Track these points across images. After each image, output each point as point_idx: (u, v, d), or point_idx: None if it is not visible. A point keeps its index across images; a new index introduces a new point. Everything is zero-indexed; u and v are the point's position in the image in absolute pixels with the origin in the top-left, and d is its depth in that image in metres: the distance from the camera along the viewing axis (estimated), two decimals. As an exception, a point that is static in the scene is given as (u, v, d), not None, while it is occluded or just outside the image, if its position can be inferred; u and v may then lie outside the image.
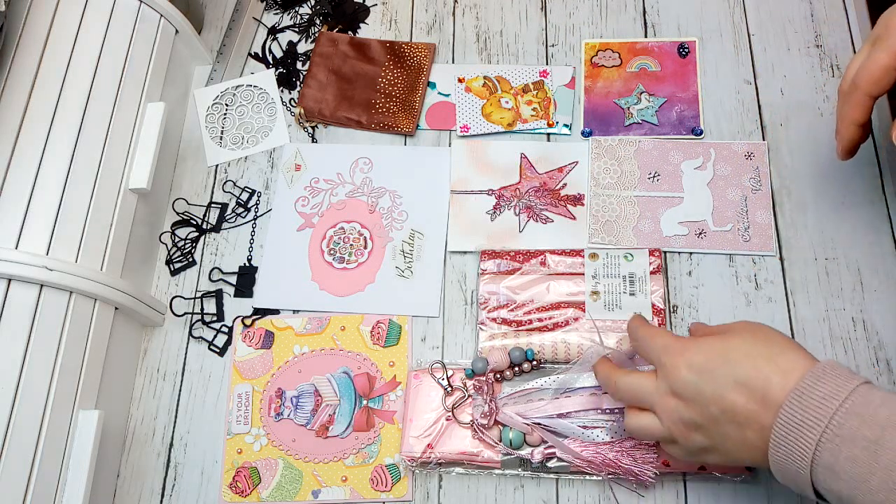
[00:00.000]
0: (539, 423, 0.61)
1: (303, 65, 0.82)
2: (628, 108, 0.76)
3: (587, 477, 0.62)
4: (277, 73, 0.82)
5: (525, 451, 0.62)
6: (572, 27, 0.81)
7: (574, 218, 0.72)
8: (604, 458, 0.60)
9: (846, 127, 0.57)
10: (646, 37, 0.80)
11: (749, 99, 0.76)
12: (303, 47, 0.83)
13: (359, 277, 0.72)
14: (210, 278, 0.73)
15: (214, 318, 0.71)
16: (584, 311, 0.67)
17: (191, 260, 0.74)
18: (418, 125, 0.78)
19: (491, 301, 0.68)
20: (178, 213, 0.76)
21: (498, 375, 0.65)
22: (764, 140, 0.74)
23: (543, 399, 0.62)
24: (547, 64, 0.80)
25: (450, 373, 0.65)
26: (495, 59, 0.80)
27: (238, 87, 0.81)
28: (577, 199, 0.73)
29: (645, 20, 0.81)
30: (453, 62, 0.81)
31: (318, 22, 0.84)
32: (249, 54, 0.83)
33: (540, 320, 0.67)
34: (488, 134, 0.77)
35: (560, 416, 0.61)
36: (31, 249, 0.58)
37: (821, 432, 0.43)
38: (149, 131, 0.70)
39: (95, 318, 0.62)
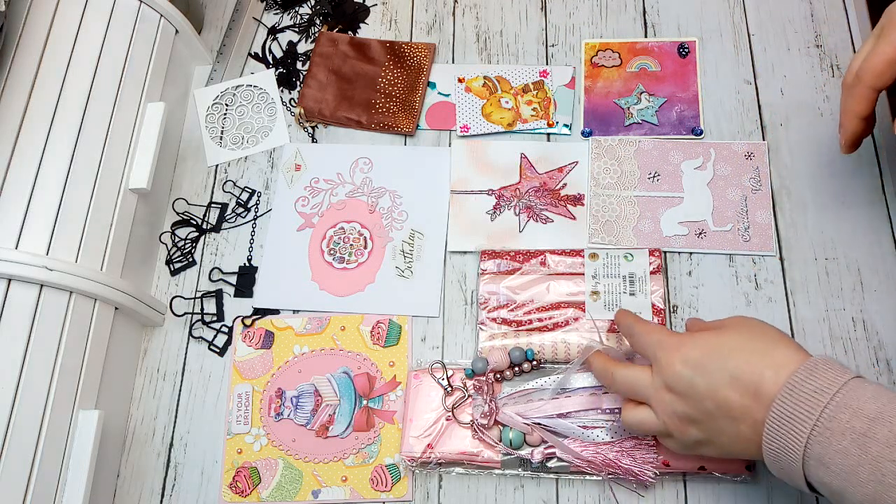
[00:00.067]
0: (539, 423, 0.61)
1: (303, 65, 0.82)
2: (628, 108, 0.76)
3: (587, 477, 0.62)
4: (277, 73, 0.82)
5: (525, 451, 0.62)
6: (572, 27, 0.81)
7: (574, 218, 0.72)
8: (604, 458, 0.60)
9: (850, 120, 0.57)
10: (646, 37, 0.80)
11: (749, 99, 0.76)
12: (303, 47, 0.83)
13: (359, 277, 0.72)
14: (210, 278, 0.73)
15: (214, 318, 0.71)
16: (584, 311, 0.67)
17: (191, 260, 0.74)
18: (418, 125, 0.78)
19: (491, 301, 0.68)
20: (178, 213, 0.76)
21: (498, 375, 0.65)
22: (764, 140, 0.74)
23: (543, 399, 0.62)
24: (547, 64, 0.79)
25: (450, 373, 0.65)
26: (495, 59, 0.80)
27: (238, 87, 0.81)
28: (577, 199, 0.73)
29: (645, 20, 0.81)
30: (453, 62, 0.81)
31: (318, 22, 0.84)
32: (249, 54, 0.83)
33: (540, 320, 0.67)
34: (488, 134, 0.77)
35: (560, 416, 0.61)
36: (31, 249, 0.58)
37: (812, 425, 0.44)
38: (149, 131, 0.70)
39: (95, 318, 0.62)
